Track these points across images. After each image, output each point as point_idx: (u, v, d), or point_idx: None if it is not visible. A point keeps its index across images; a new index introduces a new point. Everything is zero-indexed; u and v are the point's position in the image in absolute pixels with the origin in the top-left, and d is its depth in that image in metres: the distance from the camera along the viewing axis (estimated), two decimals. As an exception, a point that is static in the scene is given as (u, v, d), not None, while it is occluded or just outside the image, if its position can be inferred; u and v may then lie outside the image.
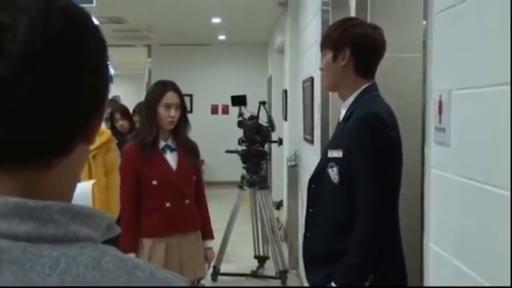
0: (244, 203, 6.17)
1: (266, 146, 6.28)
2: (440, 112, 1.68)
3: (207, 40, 11.94)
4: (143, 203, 3.21)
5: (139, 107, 5.38)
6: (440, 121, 1.69)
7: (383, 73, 2.40)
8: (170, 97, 3.22)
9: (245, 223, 6.54)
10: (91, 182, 2.89)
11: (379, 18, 2.97)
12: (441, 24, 1.78)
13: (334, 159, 2.21)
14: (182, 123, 3.30)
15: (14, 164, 0.68)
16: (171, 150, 3.28)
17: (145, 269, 0.70)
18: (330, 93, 4.17)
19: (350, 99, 2.28)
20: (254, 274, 6.10)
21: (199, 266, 3.34)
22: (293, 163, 6.41)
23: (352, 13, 3.33)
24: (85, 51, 0.71)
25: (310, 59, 5.09)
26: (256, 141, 5.89)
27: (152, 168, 3.19)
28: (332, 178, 2.20)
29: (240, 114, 5.96)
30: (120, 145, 5.52)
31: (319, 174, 2.32)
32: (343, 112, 2.33)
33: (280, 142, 6.27)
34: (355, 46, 2.23)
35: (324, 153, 2.35)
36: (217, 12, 8.85)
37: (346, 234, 2.13)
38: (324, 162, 2.29)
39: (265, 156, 5.98)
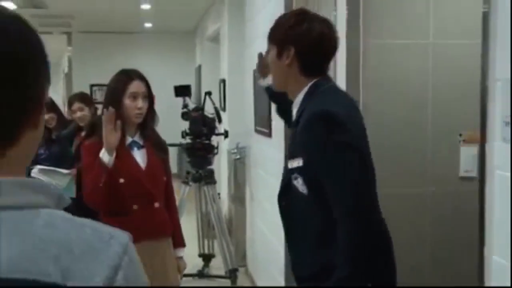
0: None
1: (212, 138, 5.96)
2: (516, 104, 1.45)
3: (132, 28, 11.41)
4: (108, 206, 2.83)
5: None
6: (515, 115, 1.46)
7: (388, 59, 2.19)
8: (136, 85, 2.89)
9: (186, 220, 6.21)
10: None
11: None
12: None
13: (296, 169, 1.99)
14: (149, 116, 2.96)
15: None
16: (139, 147, 2.94)
17: (91, 225, 0.83)
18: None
19: (300, 97, 2.07)
20: (201, 274, 5.80)
21: (172, 275, 3.00)
22: (238, 156, 6.13)
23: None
24: (27, 58, 0.84)
25: (266, 47, 4.81)
26: (203, 133, 5.57)
27: (118, 165, 2.81)
28: (300, 190, 1.98)
29: (185, 106, 5.60)
30: (47, 140, 4.99)
31: (286, 188, 2.09)
32: (294, 112, 2.11)
33: (226, 134, 5.96)
34: (300, 46, 2.03)
35: (285, 164, 2.11)
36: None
37: (331, 246, 1.92)
38: (287, 174, 2.06)
39: (213, 150, 5.66)
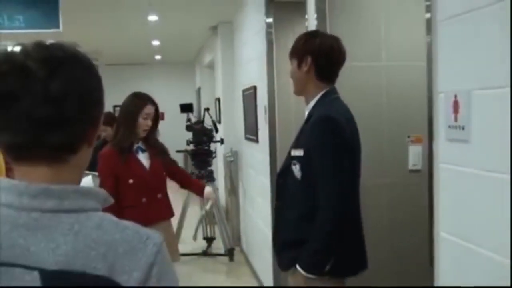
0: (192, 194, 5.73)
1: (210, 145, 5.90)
2: (456, 111, 1.43)
3: (145, 60, 11.32)
4: (121, 201, 2.85)
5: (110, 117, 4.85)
6: (455, 119, 1.44)
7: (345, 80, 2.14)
8: (149, 108, 2.99)
9: (192, 210, 6.14)
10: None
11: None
12: (448, 31, 1.53)
13: (297, 157, 1.97)
14: (152, 131, 3.06)
15: (45, 160, 0.80)
16: (142, 151, 3.03)
17: (133, 228, 0.81)
18: (275, 98, 3.92)
19: (312, 103, 2.05)
20: (205, 253, 5.73)
21: (172, 251, 2.97)
22: (232, 159, 6.08)
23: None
24: (91, 93, 0.83)
25: (252, 71, 4.78)
26: (203, 141, 5.53)
27: (128, 169, 2.92)
28: (296, 174, 1.96)
29: (188, 120, 5.56)
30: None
31: (285, 170, 2.06)
32: (306, 114, 2.08)
33: (221, 141, 5.91)
34: (315, 54, 2.02)
35: (288, 151, 2.09)
36: (156, 36, 8.32)
37: (309, 224, 1.89)
38: (288, 160, 2.05)
39: (212, 154, 5.61)
